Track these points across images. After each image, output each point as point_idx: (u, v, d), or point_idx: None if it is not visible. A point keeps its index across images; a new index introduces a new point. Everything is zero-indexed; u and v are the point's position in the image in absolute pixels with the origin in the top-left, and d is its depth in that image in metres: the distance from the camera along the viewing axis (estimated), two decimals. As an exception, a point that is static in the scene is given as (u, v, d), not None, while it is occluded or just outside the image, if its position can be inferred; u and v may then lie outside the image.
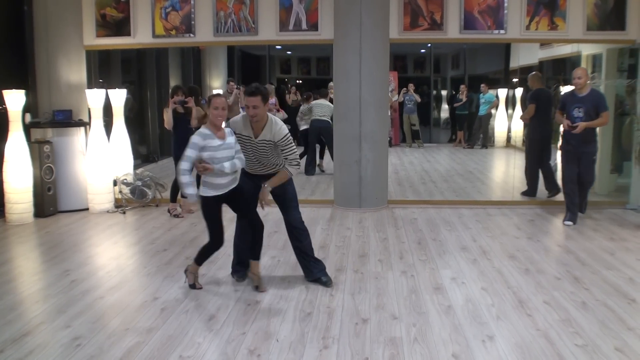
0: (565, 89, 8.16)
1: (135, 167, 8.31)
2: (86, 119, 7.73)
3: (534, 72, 8.07)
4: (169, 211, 7.33)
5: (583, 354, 3.49)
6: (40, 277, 5.00)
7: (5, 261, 5.50)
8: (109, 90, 7.74)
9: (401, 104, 14.18)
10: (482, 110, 12.82)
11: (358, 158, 7.46)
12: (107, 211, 7.60)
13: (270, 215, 7.24)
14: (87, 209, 7.64)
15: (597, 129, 6.78)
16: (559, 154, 8.10)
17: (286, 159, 4.56)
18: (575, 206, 6.77)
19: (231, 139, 4.43)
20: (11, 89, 6.85)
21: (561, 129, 7.65)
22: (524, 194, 8.14)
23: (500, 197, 8.45)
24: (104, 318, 4.08)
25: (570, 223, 6.73)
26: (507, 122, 12.15)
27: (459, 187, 9.11)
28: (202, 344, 3.67)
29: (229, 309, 4.24)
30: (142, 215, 7.39)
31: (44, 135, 7.48)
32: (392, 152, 11.40)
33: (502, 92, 12.37)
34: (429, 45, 14.33)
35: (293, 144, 4.58)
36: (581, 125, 6.42)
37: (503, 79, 12.55)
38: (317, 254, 5.58)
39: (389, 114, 9.27)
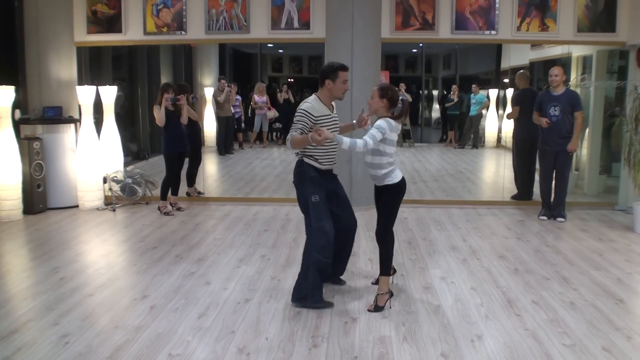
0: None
1: (126, 164, 8.28)
2: (76, 116, 7.69)
3: (521, 71, 8.07)
4: (159, 209, 7.30)
5: (571, 354, 3.52)
6: (29, 275, 4.97)
7: (-6, 258, 5.47)
8: (99, 87, 7.70)
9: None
10: (473, 111, 12.86)
11: (349, 157, 7.46)
12: (97, 208, 7.57)
13: (260, 213, 7.25)
14: (77, 206, 7.60)
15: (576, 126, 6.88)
16: None
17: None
18: (550, 203, 7.10)
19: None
20: (1, 85, 6.79)
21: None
22: (514, 197, 8.05)
23: (490, 197, 8.48)
24: (92, 316, 4.07)
25: (544, 218, 7.07)
26: (498, 122, 12.20)
27: (449, 187, 9.14)
28: (192, 342, 3.66)
29: (219, 307, 4.23)
30: (132, 213, 7.36)
31: (34, 131, 7.43)
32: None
33: (493, 93, 12.41)
34: (421, 45, 14.35)
35: None
36: (573, 147, 6.79)
37: (494, 79, 12.59)
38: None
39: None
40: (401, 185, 4.30)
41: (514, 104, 7.90)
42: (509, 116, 8.06)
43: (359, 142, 4.00)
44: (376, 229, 4.39)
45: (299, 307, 4.25)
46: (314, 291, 4.26)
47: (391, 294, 4.31)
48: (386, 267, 4.30)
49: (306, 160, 4.33)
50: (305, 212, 4.38)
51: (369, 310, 4.18)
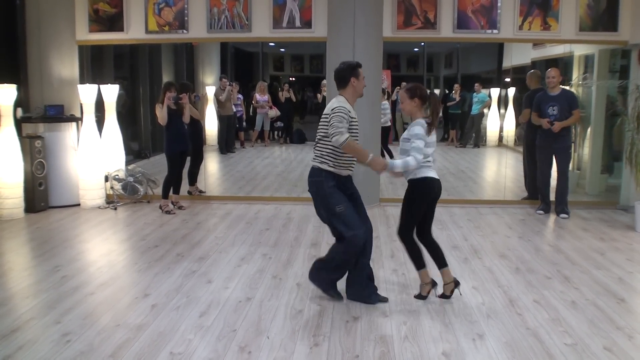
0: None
1: (127, 163, 8.28)
2: (78, 115, 7.70)
3: (532, 71, 7.93)
4: (160, 207, 7.30)
5: (572, 353, 3.51)
6: (30, 273, 4.97)
7: (-5, 256, 5.47)
8: (101, 86, 7.70)
9: (394, 103, 14.17)
10: (475, 110, 12.83)
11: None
12: (99, 207, 7.58)
13: (262, 212, 7.25)
14: (79, 205, 7.61)
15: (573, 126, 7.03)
16: None
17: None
18: (547, 197, 7.30)
19: None
20: (3, 83, 6.80)
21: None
22: (526, 199, 7.94)
23: (491, 196, 8.47)
24: (94, 314, 4.07)
25: (541, 212, 7.27)
26: (500, 121, 12.17)
27: (450, 186, 9.13)
28: (193, 341, 3.66)
29: (220, 306, 4.23)
30: (133, 212, 7.36)
31: (36, 130, 7.43)
32: (385, 150, 11.36)
33: (495, 92, 12.39)
34: (422, 44, 14.34)
35: None
36: (557, 125, 6.90)
37: (496, 78, 12.57)
38: (310, 251, 5.60)
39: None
40: (421, 182, 4.20)
41: (525, 105, 7.70)
42: (520, 119, 7.99)
43: (410, 160, 4.06)
44: (398, 227, 4.46)
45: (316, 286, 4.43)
46: (333, 283, 4.39)
47: (434, 284, 4.42)
48: (415, 263, 4.39)
49: (326, 168, 4.23)
50: (329, 221, 4.28)
51: (415, 297, 4.42)
